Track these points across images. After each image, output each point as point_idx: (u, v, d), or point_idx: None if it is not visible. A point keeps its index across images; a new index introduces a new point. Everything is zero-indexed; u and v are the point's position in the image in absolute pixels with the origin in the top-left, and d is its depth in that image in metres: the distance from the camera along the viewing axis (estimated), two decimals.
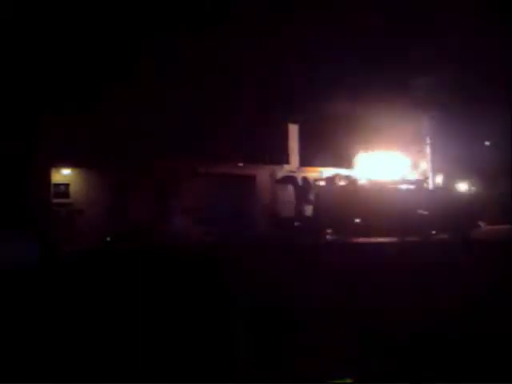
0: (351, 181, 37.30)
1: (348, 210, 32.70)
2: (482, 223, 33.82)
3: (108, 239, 31.67)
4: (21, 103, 33.09)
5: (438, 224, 32.27)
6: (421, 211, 32.99)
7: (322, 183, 37.96)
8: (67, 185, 36.40)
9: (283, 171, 40.25)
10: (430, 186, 40.03)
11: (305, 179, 38.84)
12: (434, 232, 31.96)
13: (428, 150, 41.67)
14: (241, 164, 37.84)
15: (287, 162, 40.70)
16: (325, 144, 39.60)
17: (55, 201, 35.62)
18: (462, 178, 38.32)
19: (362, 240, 30.60)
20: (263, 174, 39.25)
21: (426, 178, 40.57)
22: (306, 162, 40.81)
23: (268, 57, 37.56)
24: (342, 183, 37.24)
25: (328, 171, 39.73)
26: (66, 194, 36.30)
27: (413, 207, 32.95)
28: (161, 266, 19.52)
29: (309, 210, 36.43)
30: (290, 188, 39.00)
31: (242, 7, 37.27)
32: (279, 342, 8.69)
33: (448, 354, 7.79)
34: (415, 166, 42.24)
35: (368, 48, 38.31)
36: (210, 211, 36.43)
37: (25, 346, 8.95)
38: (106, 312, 11.34)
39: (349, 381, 7.08)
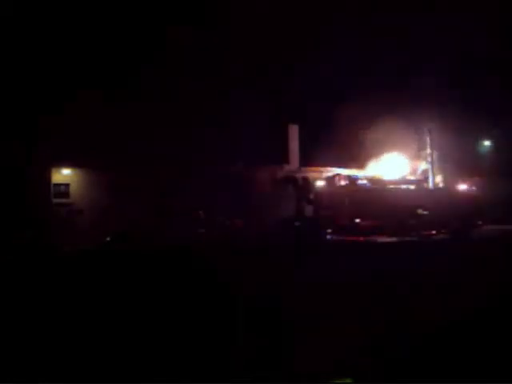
0: (351, 180, 37.27)
1: (348, 209, 32.69)
2: (481, 223, 33.83)
3: (108, 239, 31.64)
4: (21, 103, 33.17)
5: (438, 223, 32.30)
6: (421, 211, 33.01)
7: (322, 183, 37.89)
8: (67, 185, 36.45)
9: (283, 171, 40.26)
10: (430, 185, 40.01)
11: (305, 179, 38.79)
12: (434, 232, 31.99)
13: (428, 150, 41.63)
14: (241, 164, 37.81)
15: (287, 162, 40.69)
16: (325, 144, 39.57)
17: (55, 201, 35.70)
18: (462, 178, 38.30)
19: (361, 240, 30.65)
20: (263, 174, 39.16)
21: (426, 178, 40.53)
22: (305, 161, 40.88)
23: (268, 57, 37.60)
24: (343, 183, 37.21)
25: (328, 171, 39.71)
26: (66, 194, 36.36)
27: (413, 207, 32.96)
28: (160, 266, 19.53)
29: (309, 209, 36.41)
30: (290, 188, 39.02)
31: (242, 8, 37.33)
32: (279, 342, 8.68)
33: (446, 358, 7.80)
34: (415, 166, 42.20)
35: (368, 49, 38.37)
36: (210, 211, 36.51)
37: (24, 345, 8.96)
38: (105, 311, 11.37)
39: (349, 381, 7.08)
